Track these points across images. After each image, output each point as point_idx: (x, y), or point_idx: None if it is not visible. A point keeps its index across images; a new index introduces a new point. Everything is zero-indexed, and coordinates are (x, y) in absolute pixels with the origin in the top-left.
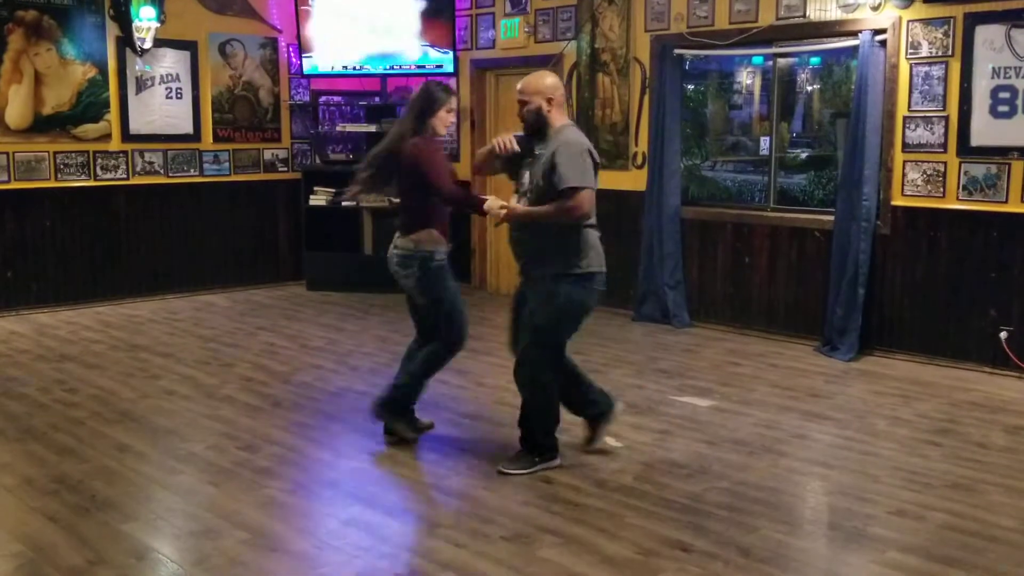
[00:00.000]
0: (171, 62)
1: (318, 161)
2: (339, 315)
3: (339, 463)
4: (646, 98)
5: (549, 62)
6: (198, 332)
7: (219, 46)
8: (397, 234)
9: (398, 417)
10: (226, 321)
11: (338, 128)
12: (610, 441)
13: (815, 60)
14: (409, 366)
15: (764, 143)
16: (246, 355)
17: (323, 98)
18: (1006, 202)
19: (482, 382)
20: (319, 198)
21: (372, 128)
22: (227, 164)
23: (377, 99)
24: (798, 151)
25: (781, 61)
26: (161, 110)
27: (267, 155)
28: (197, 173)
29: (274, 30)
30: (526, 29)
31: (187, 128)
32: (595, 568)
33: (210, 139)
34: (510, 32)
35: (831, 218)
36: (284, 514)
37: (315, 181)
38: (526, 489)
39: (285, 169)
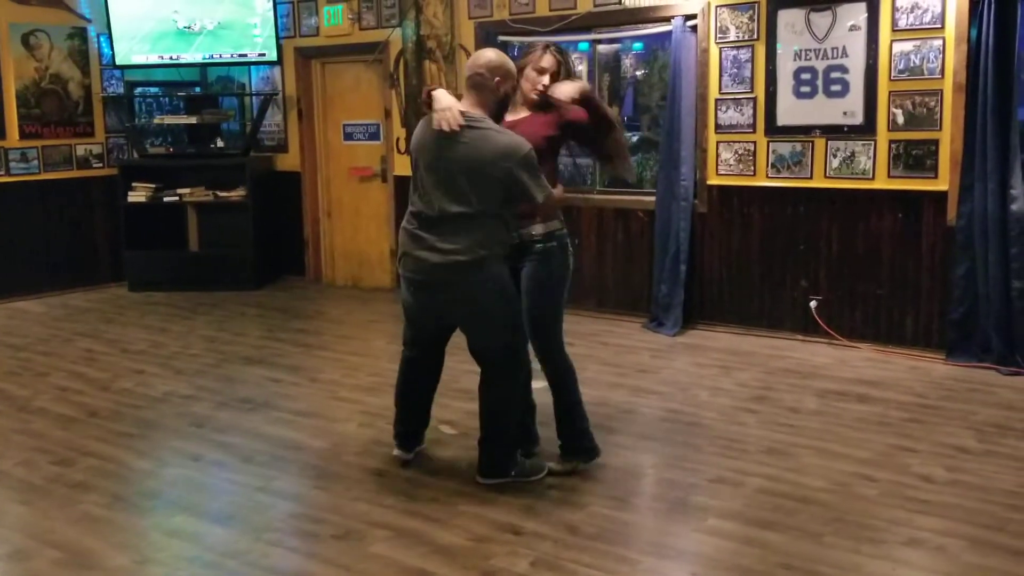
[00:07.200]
0: None
1: (136, 156)
2: (164, 316)
3: (162, 472)
4: None
5: (375, 49)
6: (8, 341)
7: (21, 37)
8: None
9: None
10: (40, 328)
11: (156, 121)
12: (444, 429)
13: (638, 46)
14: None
15: None
16: (61, 363)
17: (139, 89)
18: (811, 178)
19: (316, 378)
20: (139, 194)
21: (193, 120)
22: (36, 162)
23: (198, 89)
24: (629, 135)
25: (602, 47)
26: None
27: (80, 151)
28: (3, 172)
29: (82, 19)
30: (350, 16)
31: None
32: (427, 559)
33: (16, 136)
34: (334, 19)
35: (653, 198)
36: (101, 529)
37: (133, 176)
38: (358, 485)
39: (100, 165)
